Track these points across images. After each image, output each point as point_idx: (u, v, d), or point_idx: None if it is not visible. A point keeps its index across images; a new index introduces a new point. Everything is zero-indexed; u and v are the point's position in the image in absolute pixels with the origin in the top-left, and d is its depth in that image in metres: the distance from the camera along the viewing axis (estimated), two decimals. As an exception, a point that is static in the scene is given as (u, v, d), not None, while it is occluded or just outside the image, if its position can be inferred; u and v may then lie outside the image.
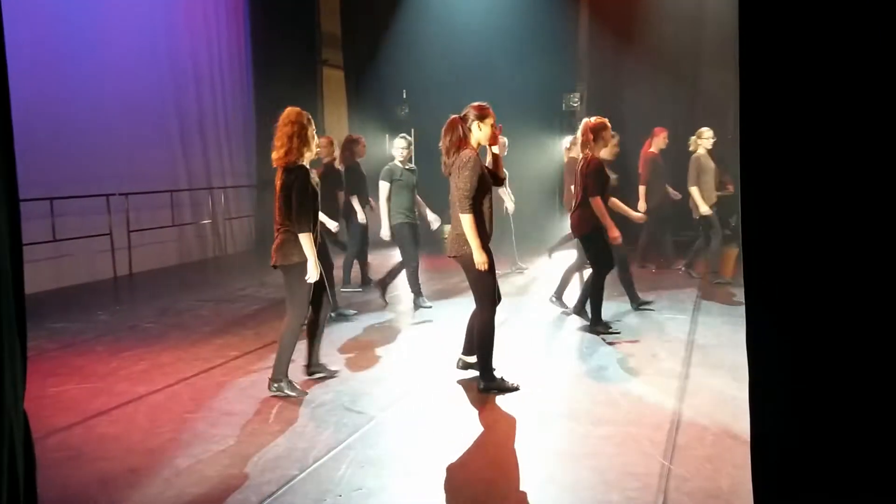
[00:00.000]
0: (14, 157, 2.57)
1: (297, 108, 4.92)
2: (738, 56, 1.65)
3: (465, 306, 7.48)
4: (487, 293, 4.96)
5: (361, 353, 6.04)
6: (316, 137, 4.99)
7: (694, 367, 5.48)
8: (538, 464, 3.88)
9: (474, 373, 5.25)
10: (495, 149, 5.05)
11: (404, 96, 13.30)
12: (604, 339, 6.30)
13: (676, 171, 9.78)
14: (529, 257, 10.27)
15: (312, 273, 4.80)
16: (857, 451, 1.62)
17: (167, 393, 5.09)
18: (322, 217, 5.72)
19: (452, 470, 3.83)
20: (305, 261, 4.79)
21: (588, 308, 6.65)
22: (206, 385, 5.25)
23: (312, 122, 4.95)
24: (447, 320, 7.03)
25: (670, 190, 9.54)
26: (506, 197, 9.25)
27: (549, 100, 11.73)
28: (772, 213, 1.66)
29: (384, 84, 13.49)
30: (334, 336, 6.48)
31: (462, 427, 4.42)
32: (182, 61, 11.21)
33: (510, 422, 4.51)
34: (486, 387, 4.99)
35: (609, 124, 6.44)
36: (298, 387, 5.03)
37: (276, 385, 4.95)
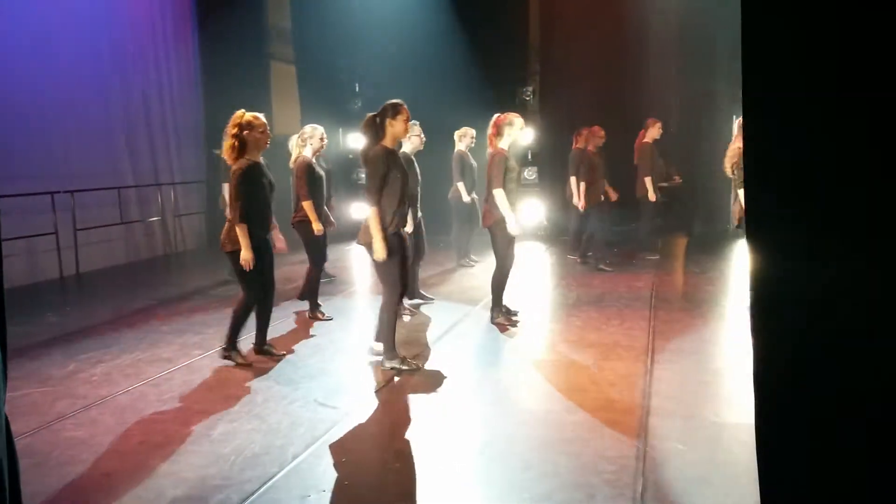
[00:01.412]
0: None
1: (243, 111, 5.31)
2: (742, 55, 1.68)
3: (438, 304, 7.54)
4: (390, 280, 5.25)
5: (331, 346, 6.00)
6: (270, 135, 5.40)
7: (657, 352, 5.59)
8: (515, 451, 3.91)
9: (447, 364, 5.29)
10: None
11: (357, 90, 13.20)
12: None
13: (626, 160, 10.03)
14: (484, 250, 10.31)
15: (245, 260, 5.22)
16: (868, 455, 1.67)
17: (132, 394, 4.98)
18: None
19: (431, 460, 3.84)
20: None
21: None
22: (172, 385, 5.15)
23: (260, 121, 5.29)
24: (421, 314, 7.04)
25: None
26: (463, 192, 9.29)
27: (503, 93, 11.76)
28: (777, 209, 1.69)
29: (336, 78, 13.37)
30: (302, 330, 6.45)
31: (437, 418, 4.44)
32: (128, 55, 10.91)
33: (484, 412, 4.55)
34: (389, 366, 5.30)
35: (515, 121, 6.39)
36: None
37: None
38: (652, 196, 9.52)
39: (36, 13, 9.20)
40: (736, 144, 5.91)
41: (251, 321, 5.63)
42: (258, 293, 5.51)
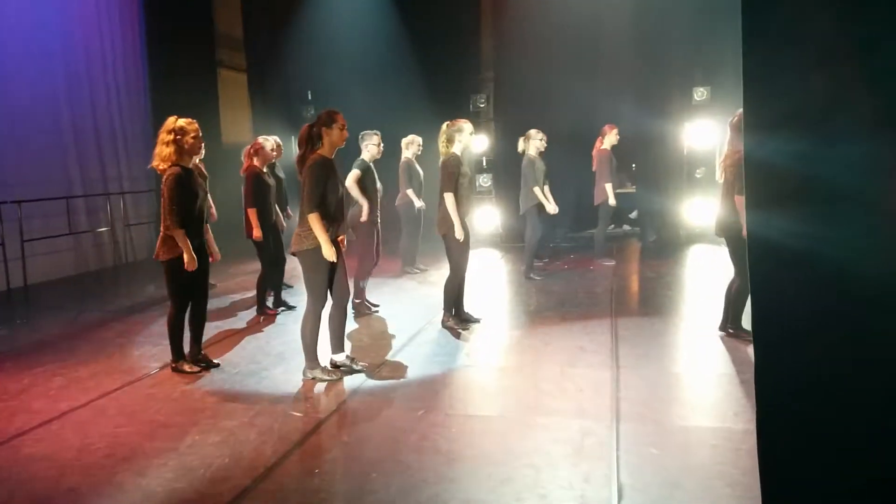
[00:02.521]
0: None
1: (175, 117, 5.30)
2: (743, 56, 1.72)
3: (400, 303, 7.52)
4: (316, 291, 5.21)
5: (295, 356, 5.92)
6: (200, 141, 5.36)
7: (622, 357, 5.65)
8: (490, 461, 3.90)
9: (413, 371, 5.28)
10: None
11: (309, 97, 13.12)
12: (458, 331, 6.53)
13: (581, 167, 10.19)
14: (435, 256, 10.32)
15: (190, 265, 5.25)
16: (869, 453, 1.71)
17: (92, 408, 4.84)
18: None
19: (409, 469, 3.81)
20: (180, 255, 5.24)
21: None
22: (132, 398, 5.02)
23: (193, 126, 5.29)
24: (381, 316, 7.00)
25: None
26: (414, 197, 9.30)
27: (457, 101, 11.82)
28: (775, 217, 1.73)
29: (288, 85, 13.28)
30: (263, 339, 6.36)
31: (408, 426, 4.41)
32: (75, 62, 10.64)
33: (454, 419, 4.53)
34: (311, 375, 5.28)
35: (465, 126, 6.45)
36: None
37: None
38: (612, 201, 9.64)
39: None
40: (733, 150, 5.86)
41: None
42: (185, 301, 5.50)
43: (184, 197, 5.24)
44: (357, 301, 7.24)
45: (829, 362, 1.69)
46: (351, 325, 6.79)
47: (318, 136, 5.16)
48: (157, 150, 5.28)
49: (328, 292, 5.28)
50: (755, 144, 1.75)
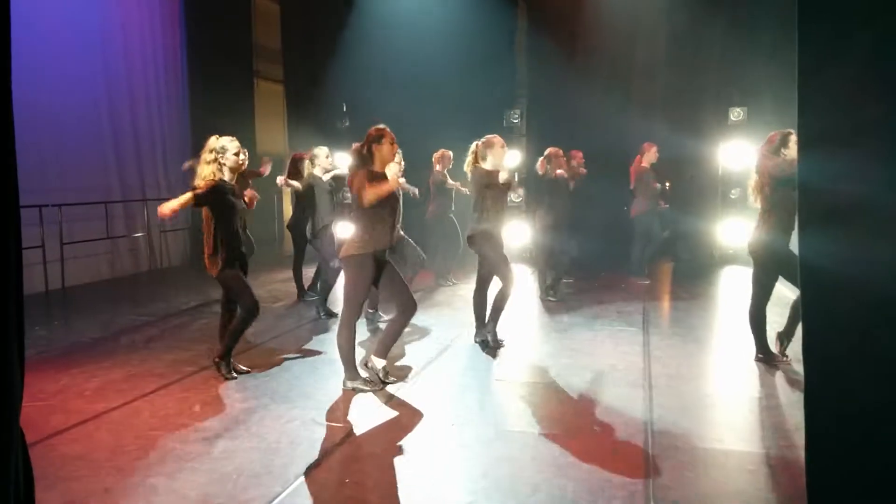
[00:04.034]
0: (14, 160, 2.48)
1: (216, 136, 5.52)
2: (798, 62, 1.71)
3: (431, 314, 7.53)
4: (352, 299, 5.25)
5: (326, 363, 5.95)
6: (241, 156, 5.55)
7: (654, 377, 5.60)
8: (520, 475, 3.89)
9: (444, 385, 5.29)
10: (391, 168, 5.20)
11: (344, 109, 13.22)
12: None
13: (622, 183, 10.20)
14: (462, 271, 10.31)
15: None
16: None
17: (126, 410, 4.90)
18: None
19: (440, 480, 3.80)
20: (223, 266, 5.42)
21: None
22: (166, 401, 5.07)
23: (232, 145, 5.46)
24: (414, 328, 7.01)
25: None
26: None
27: (491, 115, 11.84)
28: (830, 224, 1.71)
29: (324, 97, 13.40)
30: (295, 347, 6.40)
31: (438, 438, 4.40)
32: (117, 71, 10.86)
33: (484, 433, 4.51)
34: (351, 386, 5.31)
35: (494, 141, 6.39)
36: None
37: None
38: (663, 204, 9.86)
39: (26, 27, 9.12)
40: (762, 172, 5.77)
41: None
42: (254, 301, 5.54)
43: (224, 209, 5.39)
44: (371, 311, 7.29)
45: (880, 388, 1.66)
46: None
47: (369, 154, 5.21)
48: (199, 169, 5.42)
49: (363, 305, 5.35)
50: (807, 162, 1.74)
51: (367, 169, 5.19)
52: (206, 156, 5.40)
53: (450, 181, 9.44)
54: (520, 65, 13.16)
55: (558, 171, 8.63)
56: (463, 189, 9.03)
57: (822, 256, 1.65)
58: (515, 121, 12.59)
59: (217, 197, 5.35)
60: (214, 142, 5.44)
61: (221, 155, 5.41)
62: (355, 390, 5.25)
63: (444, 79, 12.44)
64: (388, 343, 5.41)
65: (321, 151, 7.80)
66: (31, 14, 9.14)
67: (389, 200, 5.20)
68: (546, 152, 8.67)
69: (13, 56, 2.56)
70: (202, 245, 5.55)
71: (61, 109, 9.69)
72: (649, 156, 9.77)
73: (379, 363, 5.42)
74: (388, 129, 5.28)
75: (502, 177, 6.34)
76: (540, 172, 8.70)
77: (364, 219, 5.19)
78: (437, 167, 9.44)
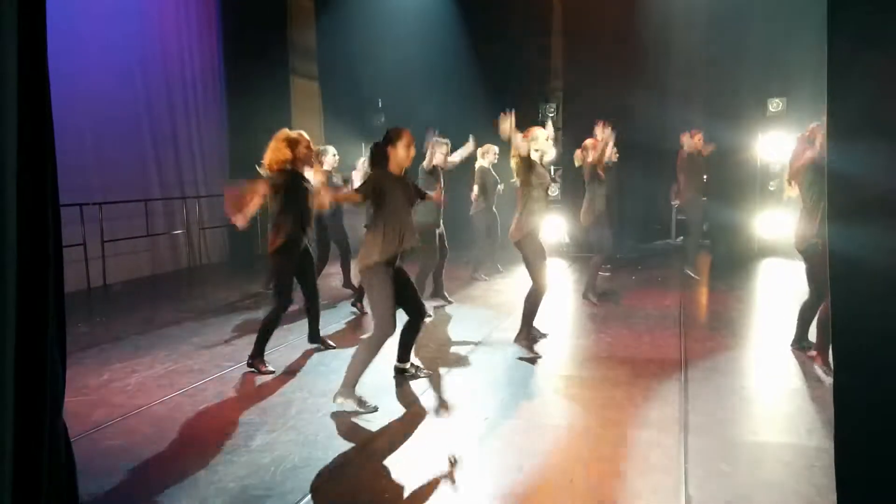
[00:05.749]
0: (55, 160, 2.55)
1: (286, 129, 5.81)
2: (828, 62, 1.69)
3: (468, 309, 7.56)
4: (378, 313, 4.89)
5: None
6: (313, 150, 5.91)
7: (690, 370, 5.56)
8: (556, 466, 3.90)
9: (479, 378, 5.31)
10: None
11: (380, 105, 13.29)
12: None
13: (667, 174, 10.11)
14: (505, 265, 10.31)
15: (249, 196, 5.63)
16: None
17: (168, 404, 5.00)
18: None
19: (474, 473, 3.83)
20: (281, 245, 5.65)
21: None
22: (206, 396, 5.16)
23: (303, 139, 5.73)
24: (449, 322, 7.04)
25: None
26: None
27: (526, 110, 11.79)
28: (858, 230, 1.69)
29: (359, 93, 13.47)
30: (334, 342, 6.46)
31: (475, 433, 4.42)
32: (154, 70, 11.03)
33: (519, 426, 4.52)
34: (339, 401, 4.89)
35: (539, 134, 6.38)
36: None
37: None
38: (674, 201, 9.91)
39: (67, 27, 9.31)
40: (797, 161, 5.67)
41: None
42: (288, 299, 5.75)
43: (295, 196, 5.66)
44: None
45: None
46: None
47: (383, 154, 4.97)
48: (271, 155, 5.63)
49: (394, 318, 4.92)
50: (838, 153, 1.72)
51: (380, 170, 4.95)
52: (277, 143, 5.64)
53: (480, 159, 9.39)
54: (554, 57, 13.09)
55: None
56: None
57: (852, 247, 1.64)
58: (551, 114, 12.53)
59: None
60: (285, 134, 5.72)
61: (295, 148, 5.67)
62: (343, 409, 4.84)
63: (480, 73, 12.44)
64: (407, 348, 5.51)
65: (329, 150, 7.93)
66: (70, 16, 9.33)
67: (400, 208, 4.93)
68: (584, 143, 8.60)
69: (53, 57, 2.63)
70: (244, 240, 5.86)
71: (101, 111, 9.86)
72: (693, 142, 9.56)
73: (404, 364, 5.55)
74: (406, 131, 4.99)
75: (547, 158, 6.35)
76: (577, 164, 8.66)
77: (375, 225, 4.91)
78: (483, 161, 9.41)
